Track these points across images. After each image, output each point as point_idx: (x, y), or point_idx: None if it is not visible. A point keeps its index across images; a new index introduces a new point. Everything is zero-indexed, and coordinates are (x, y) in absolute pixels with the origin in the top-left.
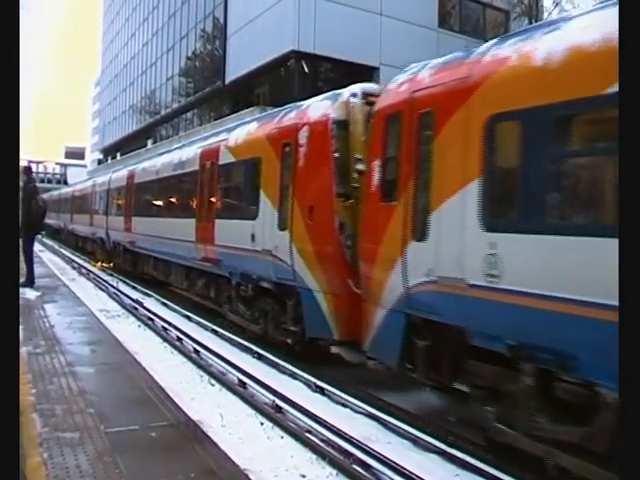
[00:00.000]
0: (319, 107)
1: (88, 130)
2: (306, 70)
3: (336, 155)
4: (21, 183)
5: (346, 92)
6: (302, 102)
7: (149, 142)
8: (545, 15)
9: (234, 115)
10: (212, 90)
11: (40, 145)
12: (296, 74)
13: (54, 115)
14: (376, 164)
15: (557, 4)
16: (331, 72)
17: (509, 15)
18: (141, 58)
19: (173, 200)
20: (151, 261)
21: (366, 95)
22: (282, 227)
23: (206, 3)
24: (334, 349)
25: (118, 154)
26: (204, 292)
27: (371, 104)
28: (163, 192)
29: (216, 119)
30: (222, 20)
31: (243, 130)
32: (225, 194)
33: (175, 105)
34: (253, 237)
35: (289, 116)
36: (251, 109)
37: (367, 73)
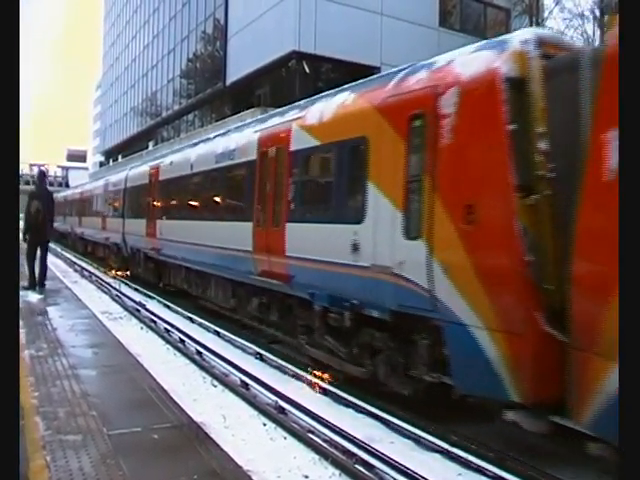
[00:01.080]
0: (476, 60)
1: (89, 133)
2: (307, 70)
3: (511, 128)
4: (30, 186)
5: (514, 38)
6: (430, 60)
7: (150, 144)
8: (546, 13)
9: (235, 116)
10: (213, 91)
11: (41, 148)
12: (297, 75)
13: (55, 118)
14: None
15: (557, 2)
16: (332, 72)
17: (510, 13)
18: (142, 60)
19: (217, 199)
20: (182, 272)
21: (542, 44)
22: (412, 235)
23: (207, 5)
24: (507, 414)
25: (119, 156)
26: (262, 315)
27: (547, 57)
28: (201, 189)
29: (217, 120)
30: (223, 21)
31: (331, 103)
32: (301, 190)
33: (176, 107)
34: (355, 248)
35: (415, 77)
36: (252, 110)
37: (368, 72)
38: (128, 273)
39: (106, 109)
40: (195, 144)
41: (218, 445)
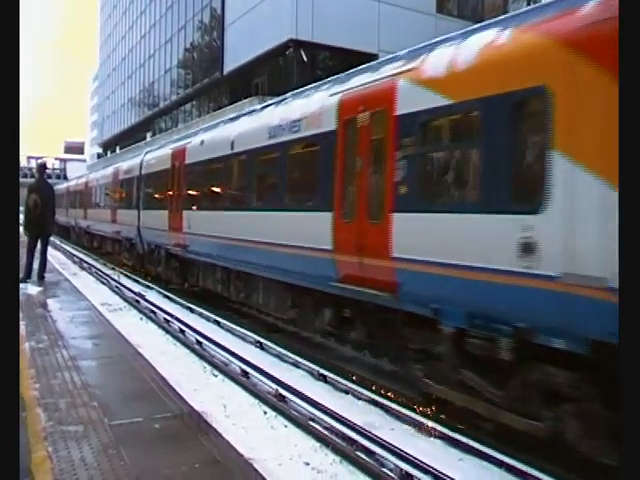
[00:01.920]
0: None
1: (87, 125)
2: (304, 59)
3: None
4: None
5: None
6: None
7: (148, 135)
8: None
9: (233, 105)
10: (210, 81)
11: (39, 140)
12: (294, 63)
13: (53, 110)
14: None
15: None
16: (329, 60)
17: None
18: (139, 51)
19: (272, 184)
20: (216, 272)
21: None
22: None
23: None
24: None
25: (117, 148)
26: (338, 331)
27: None
28: (248, 172)
29: (215, 110)
30: (219, 11)
31: (467, 45)
32: (420, 168)
33: (174, 97)
34: (528, 248)
35: None
36: (250, 99)
37: (366, 60)
38: (143, 271)
39: (103, 100)
40: (234, 118)
41: (219, 434)
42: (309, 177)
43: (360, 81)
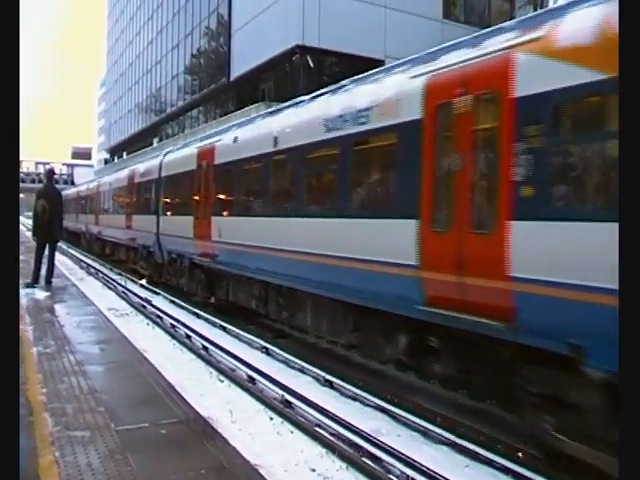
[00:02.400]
0: None
1: (94, 130)
2: (311, 65)
3: None
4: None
5: None
6: None
7: (155, 141)
8: (550, 3)
9: (239, 111)
10: (217, 87)
11: (47, 146)
12: (301, 69)
13: (61, 115)
14: None
15: None
16: (336, 66)
17: (514, 4)
18: (146, 56)
19: (327, 186)
20: (253, 287)
21: None
22: None
23: (210, 0)
24: None
25: (124, 153)
26: (422, 363)
27: None
28: (294, 174)
29: (221, 116)
30: (226, 17)
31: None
32: (542, 164)
33: (180, 103)
34: None
35: None
36: (256, 105)
37: (372, 66)
38: (161, 280)
39: (110, 106)
40: (274, 112)
41: (225, 440)
42: (381, 177)
43: (453, 59)
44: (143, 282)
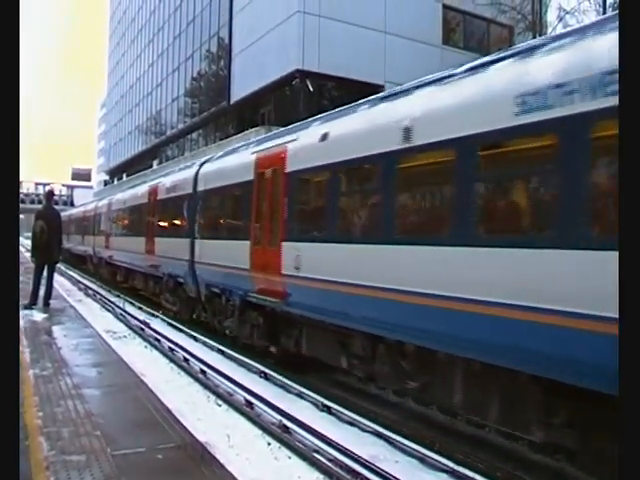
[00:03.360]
0: None
1: (94, 152)
2: (311, 89)
3: None
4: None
5: None
6: None
7: (155, 163)
8: (549, 30)
9: (240, 135)
10: (217, 110)
11: (47, 166)
12: (301, 93)
13: (61, 136)
14: None
15: (561, 19)
16: (336, 90)
17: (513, 30)
18: (147, 79)
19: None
20: (350, 340)
21: None
22: None
23: (211, 24)
24: None
25: (124, 175)
26: None
27: None
28: (447, 180)
29: (221, 139)
30: (227, 40)
31: None
32: None
33: (180, 125)
34: None
35: None
36: (256, 129)
37: (372, 91)
38: (196, 317)
39: (110, 128)
40: (382, 98)
41: (222, 465)
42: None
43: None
44: (160, 314)
